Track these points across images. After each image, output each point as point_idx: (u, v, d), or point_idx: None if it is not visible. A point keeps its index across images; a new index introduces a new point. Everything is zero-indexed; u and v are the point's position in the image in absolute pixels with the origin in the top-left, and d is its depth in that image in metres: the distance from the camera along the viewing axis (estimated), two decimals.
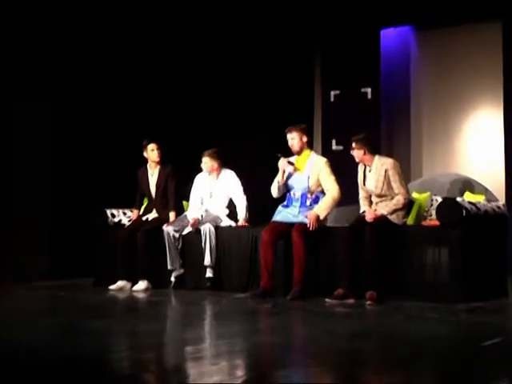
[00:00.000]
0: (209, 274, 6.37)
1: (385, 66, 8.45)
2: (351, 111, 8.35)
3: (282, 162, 6.00)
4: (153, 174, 6.81)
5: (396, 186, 5.74)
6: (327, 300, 5.51)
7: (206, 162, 6.63)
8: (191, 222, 6.54)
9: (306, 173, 6.00)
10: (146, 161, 6.87)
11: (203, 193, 6.71)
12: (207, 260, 6.35)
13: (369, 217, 5.70)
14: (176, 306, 5.91)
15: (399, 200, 5.73)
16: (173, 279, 6.47)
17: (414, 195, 6.25)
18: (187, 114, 8.37)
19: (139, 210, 6.93)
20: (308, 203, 5.98)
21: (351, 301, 5.49)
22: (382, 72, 8.40)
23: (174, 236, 6.46)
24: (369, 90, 8.35)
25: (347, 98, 8.46)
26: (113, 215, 7.04)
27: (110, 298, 6.08)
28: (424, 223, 5.96)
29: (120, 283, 6.48)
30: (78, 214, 7.44)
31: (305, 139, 6.02)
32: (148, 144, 6.78)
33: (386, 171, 5.74)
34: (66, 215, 7.52)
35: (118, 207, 7.09)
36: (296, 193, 6.02)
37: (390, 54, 8.56)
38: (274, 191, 6.10)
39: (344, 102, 8.48)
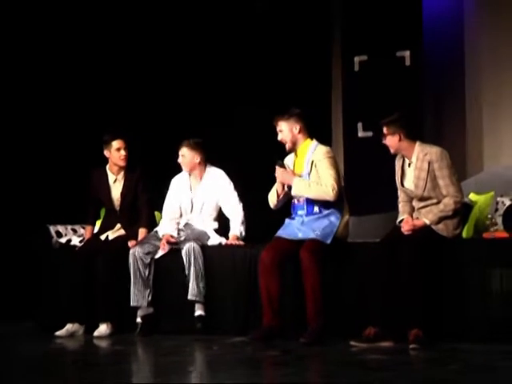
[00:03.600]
0: (199, 311, 6.34)
1: (428, 21, 8.44)
2: (383, 83, 8.34)
3: (282, 175, 5.99)
4: (115, 181, 6.77)
5: (444, 184, 5.69)
6: (354, 343, 5.51)
7: (184, 155, 6.60)
8: (163, 239, 6.53)
9: (305, 170, 6.02)
10: (104, 161, 6.82)
11: (183, 200, 6.70)
12: (192, 292, 6.32)
13: (405, 228, 5.69)
14: (149, 356, 5.89)
15: (448, 204, 5.68)
16: (139, 321, 6.45)
17: (472, 197, 6.24)
18: (159, 103, 8.47)
19: (93, 225, 6.91)
20: (316, 209, 5.98)
21: (387, 343, 5.49)
22: (424, 30, 8.39)
23: (142, 260, 6.45)
24: (407, 54, 8.34)
25: (377, 66, 8.45)
26: (58, 234, 7.03)
27: (57, 349, 6.04)
28: (486, 235, 5.97)
29: (70, 327, 6.46)
30: (10, 234, 7.45)
31: (296, 129, 6.04)
32: (112, 140, 6.69)
33: (429, 164, 5.71)
34: None
35: (64, 223, 7.08)
36: (300, 198, 6.05)
37: (436, 4, 8.55)
38: (272, 202, 6.14)
39: (373, 71, 8.47)
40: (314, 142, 6.10)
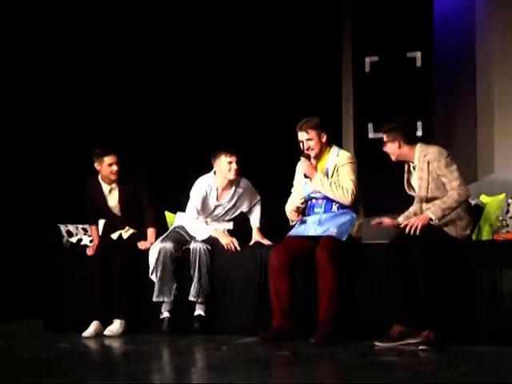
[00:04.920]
0: (198, 311, 6.37)
1: (439, 22, 8.44)
2: (394, 84, 8.34)
3: (308, 168, 5.98)
4: (111, 190, 6.78)
5: (447, 180, 5.66)
6: (378, 343, 5.51)
7: (232, 163, 6.49)
8: (229, 241, 6.46)
9: (325, 173, 6.03)
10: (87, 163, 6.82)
11: (208, 204, 6.62)
12: (193, 293, 6.36)
13: (407, 229, 5.59)
14: (159, 356, 5.89)
15: (450, 195, 5.61)
16: (166, 315, 6.44)
17: (483, 199, 6.24)
18: (163, 105, 8.54)
19: (97, 224, 6.91)
20: (335, 208, 6.01)
21: (414, 340, 5.46)
22: (435, 30, 8.39)
23: (171, 254, 6.46)
24: (418, 55, 8.34)
25: (388, 67, 8.45)
26: (69, 233, 7.05)
27: (69, 348, 6.02)
28: (497, 237, 5.96)
29: (96, 326, 6.48)
30: (20, 233, 7.49)
31: (324, 138, 6.06)
32: (104, 156, 6.65)
33: (429, 164, 5.69)
34: (2, 234, 7.55)
35: (75, 222, 7.09)
36: (319, 198, 6.07)
37: (447, 5, 8.55)
38: (292, 214, 6.10)
39: (384, 71, 8.47)
40: (335, 147, 6.12)
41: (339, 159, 6.03)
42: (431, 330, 5.44)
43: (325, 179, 5.95)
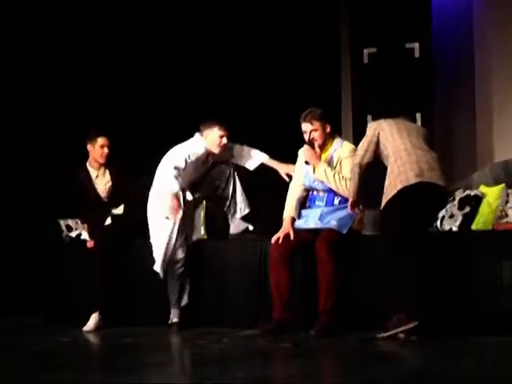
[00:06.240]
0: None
1: (437, 12, 8.44)
2: (392, 75, 8.33)
3: (311, 155, 5.95)
4: (97, 176, 6.85)
5: None
6: (378, 335, 5.45)
7: (223, 137, 6.40)
8: (173, 206, 6.26)
9: (329, 164, 6.02)
10: (84, 157, 6.87)
11: (194, 170, 6.49)
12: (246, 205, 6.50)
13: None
14: (160, 348, 5.92)
15: None
16: (175, 320, 6.41)
17: (483, 189, 6.25)
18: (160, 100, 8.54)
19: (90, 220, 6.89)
20: (336, 202, 6.01)
21: (412, 325, 5.37)
22: (433, 21, 8.39)
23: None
24: (416, 46, 8.34)
25: (386, 58, 8.45)
26: (69, 228, 7.05)
27: (68, 342, 6.04)
28: (497, 227, 5.96)
29: (96, 319, 6.48)
30: (20, 228, 7.53)
31: (328, 129, 6.06)
32: (98, 136, 6.81)
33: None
34: (2, 229, 7.58)
35: (74, 216, 7.06)
36: (320, 191, 6.07)
37: None
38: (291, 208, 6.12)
39: (382, 63, 8.47)
40: (338, 138, 6.13)
41: (343, 151, 6.02)
42: (410, 317, 5.33)
43: (329, 170, 5.94)
